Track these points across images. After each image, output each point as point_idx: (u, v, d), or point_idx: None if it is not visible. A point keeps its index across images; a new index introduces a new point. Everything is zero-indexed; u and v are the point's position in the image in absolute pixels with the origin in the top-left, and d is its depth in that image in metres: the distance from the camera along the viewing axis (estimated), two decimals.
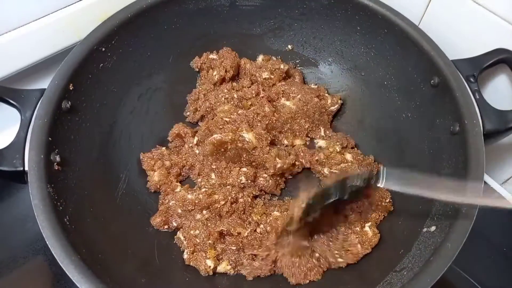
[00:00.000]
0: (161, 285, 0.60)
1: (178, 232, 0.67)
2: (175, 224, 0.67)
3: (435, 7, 0.72)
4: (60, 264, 0.49)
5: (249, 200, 0.67)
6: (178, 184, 0.71)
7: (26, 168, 0.55)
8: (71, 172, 0.60)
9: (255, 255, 0.63)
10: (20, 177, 0.56)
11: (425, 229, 0.57)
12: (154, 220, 0.66)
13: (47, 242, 0.50)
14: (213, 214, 0.66)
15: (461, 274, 0.68)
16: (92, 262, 0.52)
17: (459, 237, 0.51)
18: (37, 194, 0.53)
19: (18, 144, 0.57)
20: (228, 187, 0.67)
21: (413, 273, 0.52)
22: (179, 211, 0.66)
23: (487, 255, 0.71)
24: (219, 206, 0.66)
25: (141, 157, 0.72)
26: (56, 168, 0.57)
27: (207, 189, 0.67)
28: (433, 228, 0.56)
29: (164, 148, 0.74)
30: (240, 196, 0.67)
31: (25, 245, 0.72)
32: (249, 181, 0.68)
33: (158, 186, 0.70)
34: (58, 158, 0.58)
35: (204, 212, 0.66)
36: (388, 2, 0.70)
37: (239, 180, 0.68)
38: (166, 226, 0.67)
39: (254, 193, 0.69)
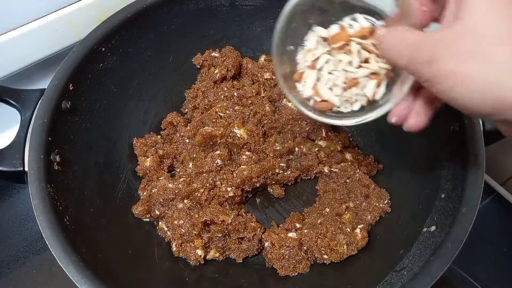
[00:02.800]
0: (161, 283, 0.60)
1: (160, 223, 0.67)
2: (157, 213, 0.67)
3: None
4: (60, 264, 0.49)
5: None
6: (166, 173, 0.71)
7: (26, 168, 0.55)
8: (71, 172, 0.60)
9: (241, 238, 0.65)
10: (20, 177, 0.56)
11: (425, 229, 0.57)
12: (136, 209, 0.66)
13: (47, 242, 0.50)
14: (194, 203, 0.66)
15: (461, 274, 0.68)
16: (92, 262, 0.52)
17: (459, 237, 0.51)
18: (37, 194, 0.53)
19: (18, 144, 0.57)
20: (204, 174, 0.67)
21: (413, 273, 0.52)
22: (161, 200, 0.66)
23: (487, 255, 0.72)
24: (199, 194, 0.66)
25: (133, 142, 0.72)
26: (56, 168, 0.57)
27: (185, 178, 0.68)
28: (433, 228, 0.56)
29: (158, 136, 0.74)
30: (217, 180, 0.67)
31: (25, 245, 0.72)
32: (226, 161, 0.69)
33: (148, 172, 0.70)
34: (58, 158, 0.58)
35: (186, 201, 0.66)
36: None
37: (215, 164, 0.68)
38: (148, 215, 0.67)
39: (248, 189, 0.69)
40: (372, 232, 0.66)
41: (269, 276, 0.64)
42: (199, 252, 0.63)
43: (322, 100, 0.50)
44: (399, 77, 0.45)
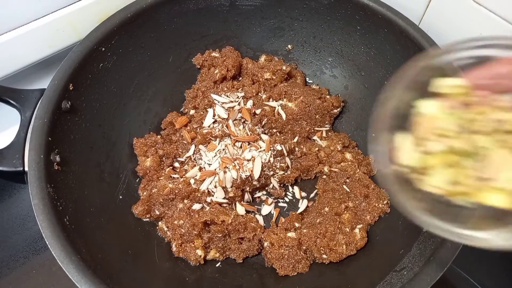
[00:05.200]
0: (162, 283, 0.60)
1: (160, 223, 0.67)
2: (157, 213, 0.67)
3: (435, 6, 0.72)
4: (60, 264, 0.49)
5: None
6: (166, 173, 0.71)
7: (26, 168, 0.55)
8: (71, 172, 0.60)
9: (241, 238, 0.65)
10: (20, 177, 0.56)
11: (425, 229, 0.57)
12: (136, 209, 0.66)
13: (47, 242, 0.50)
14: (194, 203, 0.67)
15: (461, 274, 0.68)
16: (92, 262, 0.52)
17: None
18: (37, 194, 0.53)
19: (18, 144, 0.57)
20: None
21: (413, 273, 0.52)
22: (161, 200, 0.67)
23: (487, 255, 0.71)
24: (198, 194, 0.66)
25: (134, 142, 0.72)
26: (56, 168, 0.57)
27: (185, 178, 0.68)
28: None
29: (158, 136, 0.74)
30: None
31: (25, 245, 0.72)
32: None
33: (148, 172, 0.70)
34: (58, 158, 0.58)
35: (186, 201, 0.66)
36: (388, 1, 0.70)
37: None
38: (148, 215, 0.67)
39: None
40: (372, 232, 0.66)
41: (269, 276, 0.64)
42: (199, 252, 0.63)
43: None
44: None
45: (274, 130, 0.74)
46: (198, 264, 0.64)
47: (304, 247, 0.64)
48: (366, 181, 0.69)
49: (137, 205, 0.67)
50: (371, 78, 0.77)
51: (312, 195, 0.73)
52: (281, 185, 0.72)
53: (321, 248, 0.63)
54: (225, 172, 0.67)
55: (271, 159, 0.69)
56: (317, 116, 0.75)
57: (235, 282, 0.63)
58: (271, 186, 0.71)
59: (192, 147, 0.71)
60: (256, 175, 0.67)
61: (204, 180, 0.68)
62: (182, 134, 0.72)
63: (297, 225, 0.67)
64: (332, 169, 0.72)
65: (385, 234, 0.64)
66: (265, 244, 0.65)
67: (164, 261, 0.64)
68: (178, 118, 0.75)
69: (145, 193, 0.68)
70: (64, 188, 0.57)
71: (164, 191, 0.66)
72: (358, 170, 0.71)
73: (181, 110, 0.79)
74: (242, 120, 0.73)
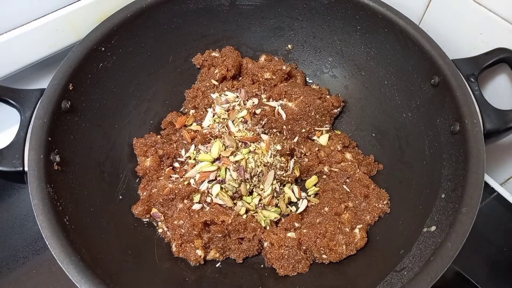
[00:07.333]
0: (162, 283, 0.60)
1: (159, 223, 0.67)
2: (157, 213, 0.67)
3: (435, 6, 0.72)
4: (60, 264, 0.49)
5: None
6: (166, 173, 0.71)
7: (26, 168, 0.55)
8: (71, 172, 0.60)
9: (241, 238, 0.65)
10: (20, 177, 0.56)
11: (425, 229, 0.57)
12: (136, 209, 0.66)
13: (47, 242, 0.50)
14: (194, 203, 0.67)
15: (461, 274, 0.68)
16: (92, 262, 0.52)
17: (459, 237, 0.51)
18: (37, 194, 0.53)
19: (18, 144, 0.57)
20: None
21: (413, 273, 0.52)
22: (161, 200, 0.67)
23: (487, 255, 0.71)
24: (198, 194, 0.67)
25: (133, 142, 0.72)
26: (56, 168, 0.57)
27: (185, 178, 0.68)
28: (433, 228, 0.56)
29: (158, 136, 0.74)
30: None
31: (25, 245, 0.72)
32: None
33: (148, 172, 0.70)
34: (58, 158, 0.58)
35: (186, 201, 0.66)
36: (388, 1, 0.70)
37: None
38: (148, 215, 0.67)
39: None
40: (372, 232, 0.66)
41: (269, 276, 0.64)
42: (199, 252, 0.63)
43: None
44: None
45: (274, 130, 0.74)
46: (198, 264, 0.64)
47: (304, 247, 0.64)
48: (366, 181, 0.69)
49: (137, 205, 0.67)
50: (371, 78, 0.77)
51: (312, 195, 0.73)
52: (281, 185, 0.72)
53: (321, 248, 0.63)
54: (225, 172, 0.67)
55: (271, 159, 0.69)
56: (317, 116, 0.75)
57: (235, 282, 0.63)
58: None
59: (192, 147, 0.71)
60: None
61: (204, 180, 0.68)
62: (182, 134, 0.72)
63: (297, 225, 0.67)
64: (332, 169, 0.72)
65: (385, 234, 0.64)
66: (265, 244, 0.65)
67: (164, 261, 0.64)
68: (178, 118, 0.75)
69: (145, 193, 0.68)
70: (64, 188, 0.57)
71: (164, 191, 0.66)
72: (358, 170, 0.71)
73: (181, 110, 0.79)
74: (242, 120, 0.73)
